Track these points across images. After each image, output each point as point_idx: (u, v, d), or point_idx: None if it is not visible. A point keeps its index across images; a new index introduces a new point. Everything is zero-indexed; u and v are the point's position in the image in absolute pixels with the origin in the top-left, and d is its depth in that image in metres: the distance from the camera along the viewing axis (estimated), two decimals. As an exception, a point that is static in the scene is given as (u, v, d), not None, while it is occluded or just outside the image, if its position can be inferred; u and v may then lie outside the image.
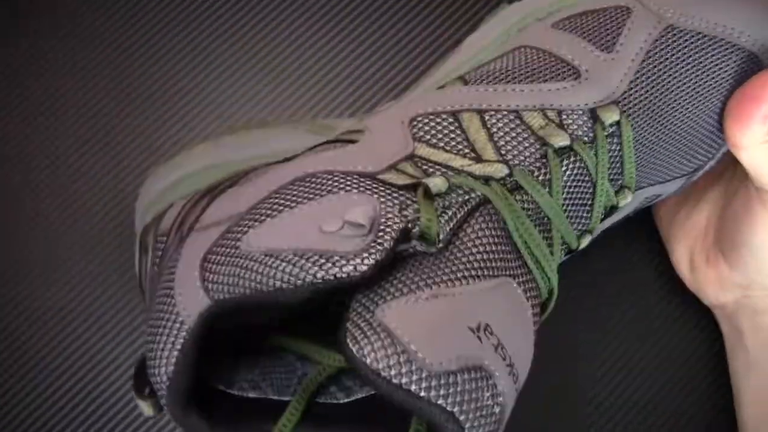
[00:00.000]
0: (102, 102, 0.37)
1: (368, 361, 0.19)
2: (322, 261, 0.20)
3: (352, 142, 0.26)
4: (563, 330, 0.35)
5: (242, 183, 0.27)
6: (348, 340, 0.19)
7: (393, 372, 0.18)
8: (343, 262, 0.20)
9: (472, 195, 0.23)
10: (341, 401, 0.26)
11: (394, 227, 0.21)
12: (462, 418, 0.19)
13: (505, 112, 0.25)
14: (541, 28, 0.27)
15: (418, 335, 0.19)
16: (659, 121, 0.26)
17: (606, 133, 0.26)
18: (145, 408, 0.24)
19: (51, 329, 0.35)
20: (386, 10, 0.38)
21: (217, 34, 0.38)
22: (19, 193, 0.36)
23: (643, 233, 0.36)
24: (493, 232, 0.23)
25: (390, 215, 0.21)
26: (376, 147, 0.25)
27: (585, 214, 0.26)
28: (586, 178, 0.26)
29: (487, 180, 0.24)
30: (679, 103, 0.27)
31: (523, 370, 0.22)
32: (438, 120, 0.25)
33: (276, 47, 0.38)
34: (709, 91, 0.27)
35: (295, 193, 0.23)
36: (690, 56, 0.26)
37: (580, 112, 0.25)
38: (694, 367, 0.35)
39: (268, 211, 0.23)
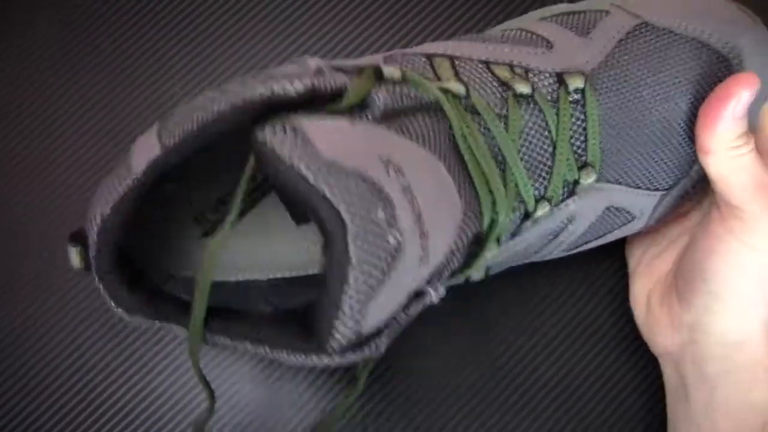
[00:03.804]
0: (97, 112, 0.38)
1: (266, 138, 0.19)
2: (267, 79, 0.21)
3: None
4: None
5: None
6: (256, 129, 0.19)
7: (285, 148, 0.18)
8: (284, 80, 0.21)
9: (425, 97, 0.24)
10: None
11: (336, 79, 0.22)
12: (347, 219, 0.19)
13: (476, 62, 0.27)
14: (528, 20, 0.30)
15: (321, 136, 0.19)
16: (628, 108, 0.27)
17: (570, 99, 0.26)
18: (74, 257, 0.24)
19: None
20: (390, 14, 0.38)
21: (214, 42, 0.38)
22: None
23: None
24: (439, 130, 0.23)
25: (336, 74, 0.22)
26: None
27: (544, 174, 0.26)
28: (545, 134, 0.26)
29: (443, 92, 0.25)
30: (650, 96, 0.27)
31: (438, 246, 0.21)
32: (411, 57, 0.27)
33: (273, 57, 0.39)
34: (679, 89, 0.27)
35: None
36: (660, 49, 0.27)
37: (547, 74, 0.27)
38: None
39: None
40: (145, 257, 0.26)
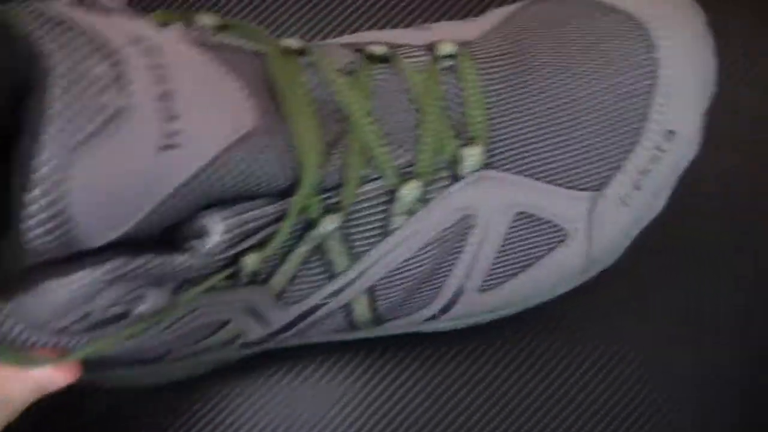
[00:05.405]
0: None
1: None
2: None
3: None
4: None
5: None
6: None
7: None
8: None
9: (248, 47, 0.21)
10: None
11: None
12: (53, 63, 0.15)
13: (336, 45, 0.24)
14: None
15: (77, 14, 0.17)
16: (521, 78, 0.23)
17: (440, 67, 0.23)
18: None
19: None
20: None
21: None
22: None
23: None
24: (251, 63, 0.20)
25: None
26: None
27: (408, 142, 0.22)
28: (405, 98, 0.22)
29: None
30: (547, 64, 0.23)
31: (198, 141, 0.17)
32: None
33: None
34: (583, 54, 0.23)
35: None
36: (555, 12, 0.24)
37: (416, 47, 0.23)
38: None
39: None
40: None
